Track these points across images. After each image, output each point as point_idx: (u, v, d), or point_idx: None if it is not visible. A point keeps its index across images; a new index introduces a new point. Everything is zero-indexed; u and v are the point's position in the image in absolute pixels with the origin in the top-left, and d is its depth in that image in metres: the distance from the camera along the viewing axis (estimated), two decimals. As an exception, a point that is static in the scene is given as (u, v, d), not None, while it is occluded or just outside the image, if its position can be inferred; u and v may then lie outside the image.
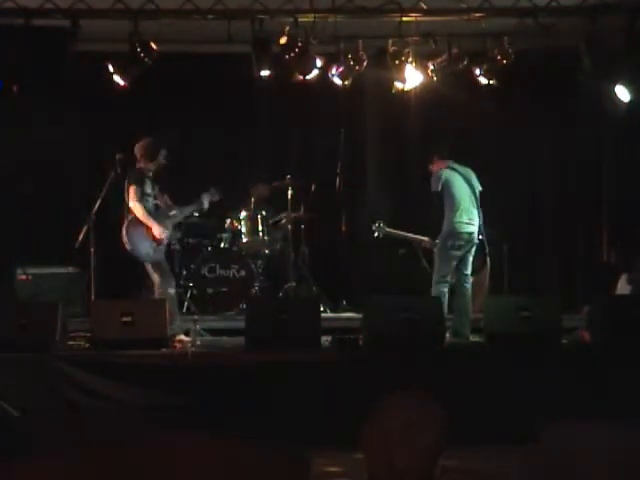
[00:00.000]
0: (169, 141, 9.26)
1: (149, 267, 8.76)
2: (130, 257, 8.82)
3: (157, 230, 8.69)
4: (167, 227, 8.87)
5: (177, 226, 9.41)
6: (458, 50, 8.72)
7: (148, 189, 8.83)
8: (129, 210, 8.68)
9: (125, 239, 8.63)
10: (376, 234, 9.86)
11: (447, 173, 8.79)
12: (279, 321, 7.64)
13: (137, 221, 8.65)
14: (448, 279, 8.75)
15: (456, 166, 8.89)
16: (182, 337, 8.22)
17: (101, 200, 9.01)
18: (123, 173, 9.12)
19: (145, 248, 8.66)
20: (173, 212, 9.02)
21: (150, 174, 8.84)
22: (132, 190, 8.63)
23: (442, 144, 9.16)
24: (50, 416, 6.82)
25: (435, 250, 8.95)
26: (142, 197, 8.69)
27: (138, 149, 8.84)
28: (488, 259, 9.45)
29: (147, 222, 8.67)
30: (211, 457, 3.19)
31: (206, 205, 9.25)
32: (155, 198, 8.93)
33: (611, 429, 3.23)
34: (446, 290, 8.67)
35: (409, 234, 9.83)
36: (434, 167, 8.92)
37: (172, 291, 8.74)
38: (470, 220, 8.77)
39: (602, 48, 8.22)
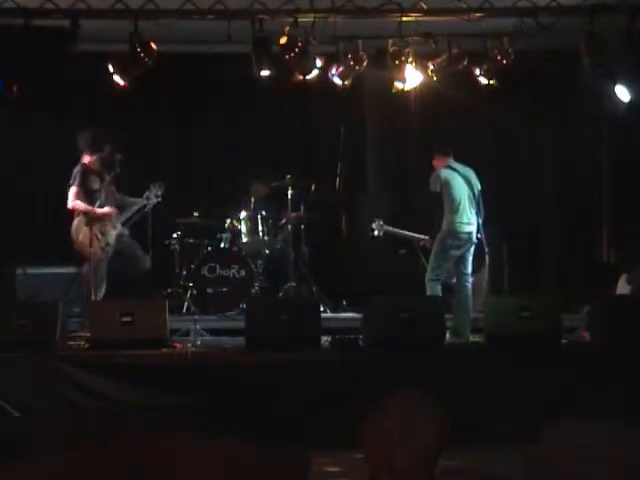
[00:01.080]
0: (114, 138, 9.37)
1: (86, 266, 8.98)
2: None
3: (107, 229, 9.06)
4: (121, 220, 9.21)
5: (126, 222, 9.52)
6: (458, 50, 8.72)
7: (95, 185, 9.08)
8: (71, 212, 8.99)
9: (73, 236, 8.91)
10: (376, 232, 9.86)
11: (446, 173, 8.81)
12: (279, 321, 7.63)
13: (83, 221, 8.93)
14: (441, 278, 8.77)
15: (456, 165, 8.90)
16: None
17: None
18: (122, 173, 9.20)
19: (88, 249, 8.91)
20: (130, 200, 9.37)
21: (96, 168, 9.05)
22: (70, 191, 8.98)
23: (444, 141, 9.16)
24: (50, 416, 6.81)
25: (432, 248, 8.95)
26: (84, 196, 8.97)
27: (80, 141, 9.10)
28: (487, 258, 9.46)
29: (92, 212, 8.95)
30: (211, 457, 3.19)
31: (153, 201, 9.48)
32: (103, 192, 9.14)
33: (611, 429, 3.23)
34: (439, 288, 8.70)
35: (408, 232, 9.83)
36: (435, 163, 8.94)
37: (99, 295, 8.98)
38: (469, 220, 8.79)
39: (602, 48, 8.22)
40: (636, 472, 3.07)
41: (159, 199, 9.51)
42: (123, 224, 9.35)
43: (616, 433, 3.22)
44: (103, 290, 9.12)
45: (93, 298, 8.77)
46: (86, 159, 9.07)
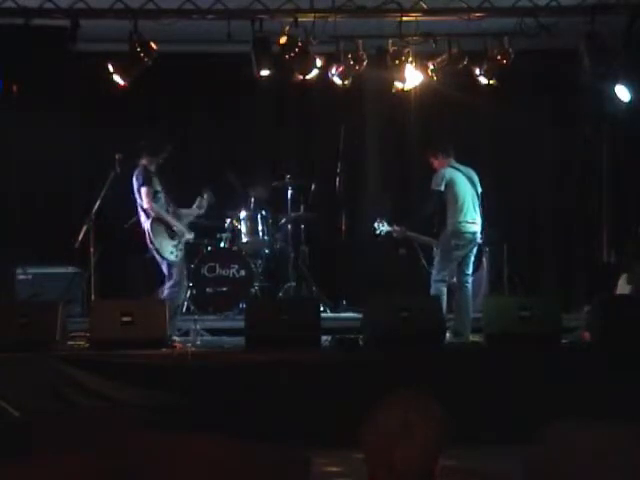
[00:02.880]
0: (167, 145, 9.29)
1: (167, 266, 8.76)
2: (146, 257, 8.94)
3: (179, 227, 8.82)
4: (184, 225, 8.99)
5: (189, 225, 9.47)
6: (458, 50, 8.72)
7: (157, 186, 8.82)
8: (145, 211, 8.68)
9: (150, 238, 8.63)
10: (378, 232, 9.85)
11: (450, 172, 8.79)
12: (279, 321, 7.63)
13: (159, 220, 8.70)
14: (447, 278, 8.76)
15: (458, 166, 8.89)
16: (175, 340, 8.20)
17: (101, 200, 9.03)
18: (122, 173, 9.18)
19: (169, 247, 8.71)
20: (184, 211, 9.10)
21: (153, 170, 8.83)
22: (144, 192, 8.63)
23: (446, 142, 9.15)
24: (50, 416, 6.81)
25: (436, 249, 8.95)
26: (154, 196, 8.72)
27: (143, 143, 8.85)
28: (484, 259, 9.46)
29: (169, 221, 8.76)
30: (211, 457, 3.19)
31: (210, 200, 9.34)
32: (163, 195, 8.98)
33: (611, 429, 3.23)
34: (445, 289, 8.68)
35: (411, 233, 9.82)
36: (436, 164, 8.91)
37: (182, 294, 8.91)
38: (473, 220, 8.78)
39: (602, 48, 8.22)
40: (636, 472, 3.07)
41: (203, 209, 9.39)
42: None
43: (616, 433, 3.22)
44: (185, 286, 9.12)
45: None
46: (145, 161, 8.77)
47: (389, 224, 9.68)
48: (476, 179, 8.91)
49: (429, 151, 9.05)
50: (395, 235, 9.54)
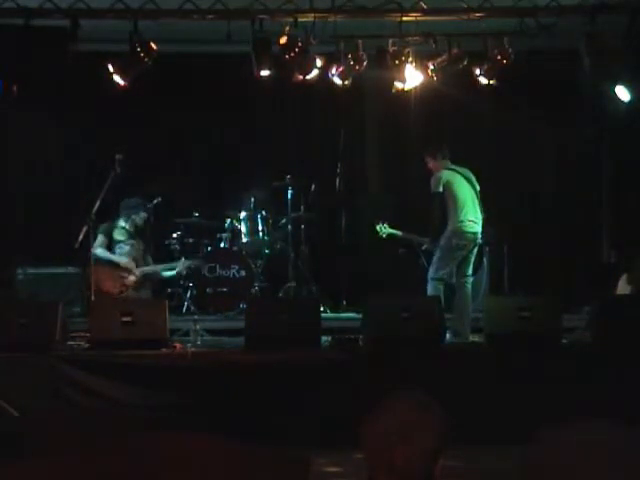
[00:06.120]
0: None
1: None
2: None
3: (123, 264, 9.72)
4: (132, 271, 9.79)
5: (148, 278, 10.02)
6: (458, 50, 8.72)
7: (119, 237, 9.80)
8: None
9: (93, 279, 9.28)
10: (380, 234, 9.84)
11: (447, 174, 8.81)
12: (279, 321, 7.63)
13: (101, 264, 9.53)
14: (445, 277, 8.76)
15: (455, 167, 8.91)
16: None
17: (101, 200, 9.03)
18: (122, 173, 9.24)
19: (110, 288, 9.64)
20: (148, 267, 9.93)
21: (122, 226, 9.79)
22: (97, 238, 9.60)
23: (442, 144, 9.16)
24: (50, 416, 6.81)
25: (436, 249, 8.94)
26: (108, 245, 9.72)
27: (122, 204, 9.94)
28: (485, 259, 9.45)
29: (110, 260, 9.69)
30: (211, 457, 3.19)
31: (181, 269, 10.08)
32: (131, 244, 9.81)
33: (611, 429, 3.23)
34: (442, 288, 8.69)
35: (413, 236, 9.81)
36: (433, 166, 8.93)
37: None
38: (475, 219, 8.79)
39: (602, 48, 8.22)
40: (636, 472, 3.07)
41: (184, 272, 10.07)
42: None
43: (616, 433, 3.22)
44: None
45: None
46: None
47: (391, 226, 9.69)
48: (473, 178, 8.93)
49: (425, 154, 9.08)
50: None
